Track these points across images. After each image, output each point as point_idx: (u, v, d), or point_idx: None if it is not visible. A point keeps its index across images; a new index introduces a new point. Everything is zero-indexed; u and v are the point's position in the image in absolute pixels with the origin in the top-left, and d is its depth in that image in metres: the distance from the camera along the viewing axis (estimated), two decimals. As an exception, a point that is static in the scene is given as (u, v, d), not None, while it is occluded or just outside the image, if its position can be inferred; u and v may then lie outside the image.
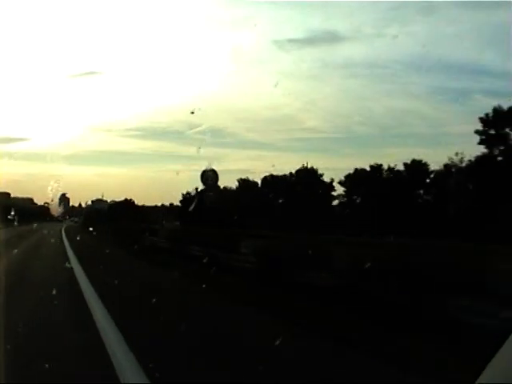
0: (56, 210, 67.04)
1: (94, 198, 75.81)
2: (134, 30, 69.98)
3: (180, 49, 63.67)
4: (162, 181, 66.27)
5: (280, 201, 46.11)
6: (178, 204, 52.93)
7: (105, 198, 73.57)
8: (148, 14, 63.08)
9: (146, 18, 67.70)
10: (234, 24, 58.54)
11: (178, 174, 62.39)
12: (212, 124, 53.81)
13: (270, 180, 48.08)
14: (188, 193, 50.52)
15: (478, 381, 1.23)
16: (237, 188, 52.52)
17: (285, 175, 47.09)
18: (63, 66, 78.55)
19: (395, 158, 58.95)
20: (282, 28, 58.99)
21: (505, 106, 34.47)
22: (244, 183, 52.13)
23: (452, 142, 56.87)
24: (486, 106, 37.04)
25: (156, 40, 66.39)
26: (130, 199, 63.84)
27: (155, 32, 63.54)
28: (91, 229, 47.32)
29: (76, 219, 79.27)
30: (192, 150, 55.31)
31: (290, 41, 61.72)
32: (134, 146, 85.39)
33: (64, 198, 76.51)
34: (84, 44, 69.21)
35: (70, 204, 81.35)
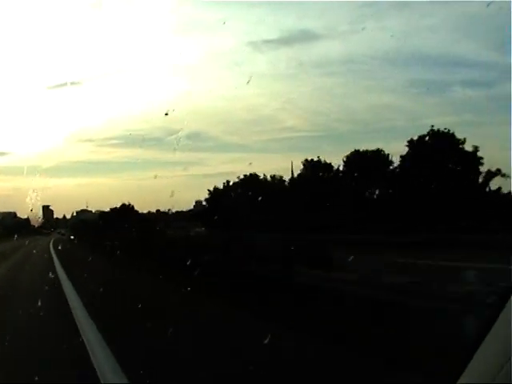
0: (37, 220, 66.08)
1: (78, 209, 75.23)
2: (109, 39, 69.61)
3: (155, 54, 62.38)
4: (146, 188, 68.21)
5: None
6: (179, 210, 53.40)
7: (89, 208, 72.93)
8: (123, 20, 63.18)
9: (122, 24, 67.06)
10: (209, 27, 57.60)
11: (155, 177, 62.18)
12: (191, 129, 54.61)
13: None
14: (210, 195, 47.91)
15: (459, 381, 1.23)
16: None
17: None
18: (41, 77, 78.77)
19: None
20: (256, 29, 59.03)
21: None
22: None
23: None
24: (464, 96, 39.34)
25: (131, 47, 66.69)
26: (129, 204, 57.44)
27: (131, 38, 63.94)
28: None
29: (63, 231, 77.36)
30: (173, 156, 57.58)
31: (265, 41, 61.79)
32: (116, 155, 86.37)
33: (48, 211, 77.58)
34: (61, 55, 68.93)
35: (55, 216, 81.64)
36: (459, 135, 42.47)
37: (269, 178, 50.37)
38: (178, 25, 65.18)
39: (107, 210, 64.91)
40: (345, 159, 46.67)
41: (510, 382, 1.15)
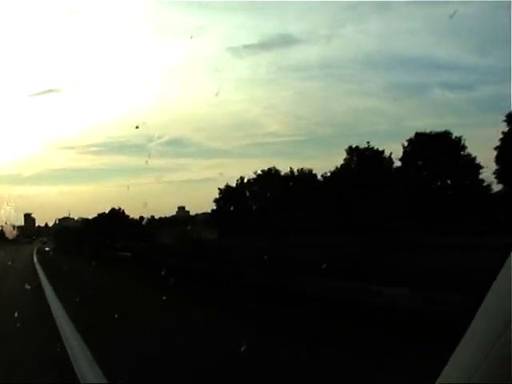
0: (11, 232, 61.36)
1: (60, 217, 74.71)
2: (89, 46, 68.07)
3: (135, 60, 63.58)
4: (128, 194, 69.31)
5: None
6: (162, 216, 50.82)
7: (72, 216, 72.48)
8: (103, 27, 62.65)
9: (101, 31, 67.10)
10: (189, 32, 56.06)
11: (128, 188, 58.54)
12: (172, 135, 54.70)
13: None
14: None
15: (438, 381, 1.17)
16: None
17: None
18: (22, 85, 76.72)
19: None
20: (236, 34, 59.09)
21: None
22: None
23: (412, 136, 52.67)
24: (444, 98, 38.33)
25: (111, 53, 65.76)
26: (119, 208, 52.85)
27: (111, 45, 63.49)
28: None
29: (45, 239, 75.67)
30: (155, 163, 56.50)
31: (245, 46, 61.45)
32: (97, 162, 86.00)
33: (30, 219, 76.03)
34: (42, 63, 69.33)
35: (36, 224, 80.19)
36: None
37: (295, 171, 43.97)
38: (158, 30, 65.84)
39: (90, 217, 64.23)
40: (405, 144, 40.40)
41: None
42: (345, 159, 41.28)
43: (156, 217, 55.20)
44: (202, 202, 70.22)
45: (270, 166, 43.20)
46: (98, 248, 37.11)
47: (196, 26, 52.52)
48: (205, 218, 47.27)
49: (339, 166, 41.18)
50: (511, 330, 1.02)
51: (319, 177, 43.12)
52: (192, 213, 60.15)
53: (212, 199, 44.81)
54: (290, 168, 43.93)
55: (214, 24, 57.90)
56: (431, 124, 49.99)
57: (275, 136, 65.24)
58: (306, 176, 43.36)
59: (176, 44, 59.37)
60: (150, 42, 62.69)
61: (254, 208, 40.85)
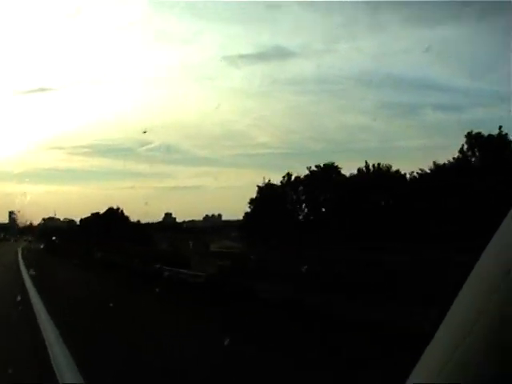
0: None
1: (46, 217, 74.59)
2: (84, 47, 69.86)
3: (130, 65, 64.32)
4: (115, 197, 67.21)
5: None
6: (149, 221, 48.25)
7: (58, 216, 72.52)
8: (98, 30, 62.85)
9: (96, 34, 67.35)
10: (184, 39, 59.63)
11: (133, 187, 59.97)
12: (162, 141, 55.49)
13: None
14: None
15: (408, 382, 1.16)
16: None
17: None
18: (13, 82, 77.19)
19: (345, 172, 56.46)
20: (232, 44, 60.02)
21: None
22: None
23: (402, 155, 57.28)
24: (435, 119, 38.20)
25: (106, 56, 66.43)
26: (117, 208, 47.44)
27: (106, 48, 64.52)
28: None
29: (30, 238, 75.23)
30: (143, 167, 56.42)
31: (241, 56, 62.84)
32: (86, 164, 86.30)
33: (14, 217, 75.90)
34: (35, 60, 68.14)
35: (21, 222, 78.52)
36: (429, 158, 41.71)
37: (371, 167, 36.87)
38: (154, 36, 66.10)
39: (75, 218, 63.50)
40: None
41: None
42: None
43: (142, 221, 53.40)
44: (189, 208, 71.30)
45: (259, 176, 41.92)
46: (90, 250, 32.28)
47: (192, 33, 53.84)
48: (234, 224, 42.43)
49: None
50: (480, 327, 1.02)
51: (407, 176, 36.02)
52: (179, 220, 59.94)
53: (199, 206, 42.48)
54: (370, 162, 36.70)
55: (210, 32, 58.46)
56: (421, 144, 52.78)
57: (265, 148, 66.55)
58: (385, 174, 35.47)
59: (171, 50, 63.81)
60: (144, 47, 62.72)
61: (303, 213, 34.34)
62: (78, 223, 59.44)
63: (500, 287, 0.98)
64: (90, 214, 54.46)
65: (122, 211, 47.63)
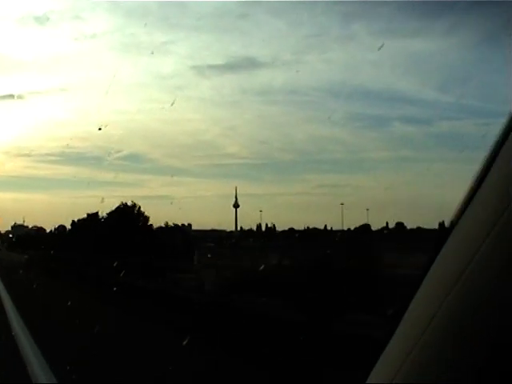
0: None
1: (13, 224, 75.44)
2: (53, 55, 68.71)
3: (98, 74, 57.59)
4: (84, 206, 59.78)
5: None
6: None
7: (26, 224, 73.92)
8: (67, 40, 62.32)
9: (65, 42, 66.81)
10: (154, 49, 50.86)
11: (102, 200, 54.51)
12: (130, 150, 58.22)
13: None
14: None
15: (368, 381, 1.21)
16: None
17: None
18: None
19: (315, 183, 66.63)
20: (201, 54, 58.14)
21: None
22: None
23: (369, 167, 56.00)
24: (403, 132, 37.97)
25: (74, 64, 66.09)
26: (134, 205, 36.01)
27: (73, 56, 63.62)
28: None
29: None
30: (111, 176, 58.82)
31: (210, 67, 63.44)
32: (54, 172, 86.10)
33: None
34: (3, 67, 62.19)
35: None
36: (397, 170, 45.74)
37: None
38: (123, 45, 63.01)
39: (44, 226, 67.07)
40: None
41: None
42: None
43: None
44: (159, 217, 63.97)
45: (228, 187, 42.82)
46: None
47: (160, 42, 50.40)
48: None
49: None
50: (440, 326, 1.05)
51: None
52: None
53: (169, 216, 43.44)
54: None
55: (178, 42, 59.79)
56: (388, 156, 53.48)
57: (234, 158, 67.90)
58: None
59: (140, 60, 57.84)
60: (114, 56, 57.36)
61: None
62: (68, 227, 52.97)
63: (455, 288, 1.00)
64: (72, 219, 48.11)
65: (139, 209, 35.55)
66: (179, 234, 36.62)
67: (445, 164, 51.16)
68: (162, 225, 39.40)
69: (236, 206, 49.56)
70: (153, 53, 44.06)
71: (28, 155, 76.06)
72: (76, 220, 42.86)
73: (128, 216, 34.54)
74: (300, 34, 52.26)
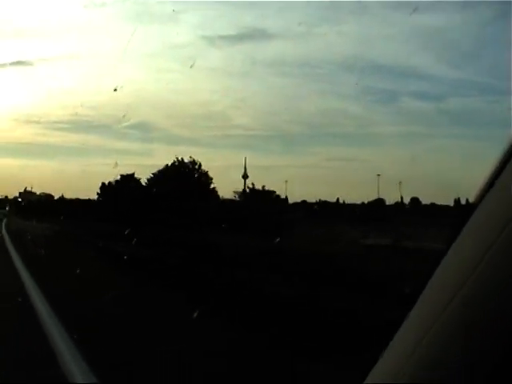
0: None
1: (21, 190, 76.38)
2: (63, 22, 65.71)
3: (108, 42, 60.71)
4: (92, 174, 66.64)
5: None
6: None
7: (34, 190, 74.62)
8: (77, 7, 58.24)
9: (75, 10, 65.38)
10: (164, 19, 58.19)
11: (115, 166, 50.84)
12: (140, 119, 58.04)
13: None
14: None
15: (366, 381, 1.17)
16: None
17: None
18: None
19: (324, 156, 64.75)
20: (212, 24, 57.03)
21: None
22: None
23: (379, 142, 56.78)
24: (414, 107, 39.92)
25: (85, 33, 60.51)
26: (192, 161, 31.68)
27: (84, 25, 60.94)
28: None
29: (5, 211, 73.78)
30: (120, 145, 63.73)
31: (221, 37, 60.54)
32: (62, 139, 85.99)
33: None
34: (12, 33, 63.80)
35: None
36: (407, 145, 46.46)
37: None
38: (132, 13, 58.82)
39: (52, 193, 68.16)
40: None
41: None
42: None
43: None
44: None
45: (237, 158, 39.17)
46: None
47: (171, 12, 49.00)
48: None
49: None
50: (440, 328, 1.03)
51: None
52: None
53: None
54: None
55: (189, 12, 56.06)
56: (398, 131, 53.49)
57: (244, 129, 63.91)
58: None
59: (151, 29, 56.17)
60: (123, 25, 55.07)
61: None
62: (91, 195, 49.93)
63: (465, 284, 0.99)
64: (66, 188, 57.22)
65: (199, 167, 29.89)
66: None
67: (455, 140, 51.84)
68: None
69: (245, 176, 48.04)
70: (174, 10, 42.34)
71: (37, 122, 77.78)
72: (108, 182, 40.76)
73: (185, 176, 28.63)
74: (313, 5, 46.98)
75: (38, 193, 75.91)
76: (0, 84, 72.57)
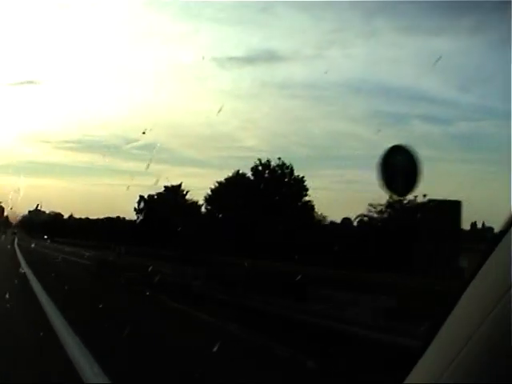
0: None
1: (31, 209, 76.14)
2: (74, 42, 64.16)
3: (119, 62, 60.95)
4: (100, 194, 68.97)
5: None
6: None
7: (43, 209, 75.00)
8: (89, 26, 58.37)
9: (87, 30, 63.63)
10: (175, 40, 53.45)
11: (128, 188, 47.82)
12: (148, 139, 53.48)
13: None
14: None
15: (406, 381, 1.21)
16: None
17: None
18: (2, 73, 66.35)
19: (333, 179, 58.98)
20: (222, 45, 54.44)
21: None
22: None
23: None
24: (422, 130, 37.94)
25: (96, 53, 59.82)
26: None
27: (95, 45, 57.39)
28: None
29: (15, 230, 74.03)
30: (128, 165, 62.94)
31: (230, 59, 56.33)
32: (71, 159, 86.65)
33: None
34: (24, 53, 61.07)
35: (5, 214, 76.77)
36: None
37: None
38: (142, 34, 60.04)
39: (61, 212, 71.01)
40: None
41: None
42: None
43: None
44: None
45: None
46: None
47: (181, 33, 51.99)
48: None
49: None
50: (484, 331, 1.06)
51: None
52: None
53: None
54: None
55: (199, 33, 54.68)
56: None
57: (252, 151, 61.79)
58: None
59: (161, 49, 57.03)
60: (134, 45, 54.40)
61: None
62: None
63: (503, 296, 1.02)
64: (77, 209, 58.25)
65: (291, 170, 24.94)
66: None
67: (464, 165, 47.54)
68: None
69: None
70: (176, 43, 45.05)
71: (46, 141, 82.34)
72: (148, 196, 32.73)
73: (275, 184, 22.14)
74: (322, 28, 49.57)
75: (47, 212, 75.59)
76: (10, 103, 70.99)
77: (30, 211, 75.98)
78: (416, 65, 53.06)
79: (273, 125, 59.94)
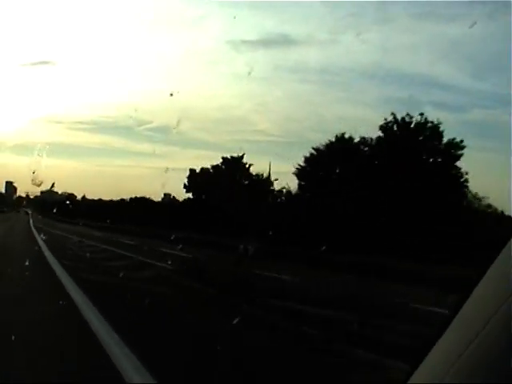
0: None
1: (44, 190, 75.84)
2: (89, 25, 69.90)
3: (133, 46, 61.67)
4: (112, 175, 69.83)
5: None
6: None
7: (56, 190, 75.43)
8: (104, 9, 64.12)
9: (102, 13, 70.92)
10: (187, 23, 59.66)
11: (166, 170, 58.11)
12: (161, 122, 60.90)
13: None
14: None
15: (410, 381, 1.22)
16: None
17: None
18: (15, 54, 77.91)
19: None
20: (235, 29, 59.52)
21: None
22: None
23: None
24: (435, 117, 36.09)
25: (110, 36, 61.47)
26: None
27: (110, 28, 57.85)
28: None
29: (29, 210, 76.41)
30: (141, 147, 59.06)
31: (244, 42, 66.05)
32: (84, 140, 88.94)
33: (11, 187, 79.81)
34: (38, 33, 68.82)
35: (18, 194, 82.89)
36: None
37: None
38: (158, 19, 67.84)
39: (75, 192, 72.35)
40: None
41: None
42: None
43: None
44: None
45: (258, 162, 43.24)
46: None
47: (195, 17, 52.35)
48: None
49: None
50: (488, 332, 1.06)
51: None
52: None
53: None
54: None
55: (213, 17, 59.96)
56: None
57: (264, 134, 68.77)
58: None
59: (175, 33, 61.23)
60: (148, 29, 63.84)
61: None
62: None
63: (506, 301, 1.00)
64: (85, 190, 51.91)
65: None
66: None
67: (476, 152, 50.14)
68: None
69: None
70: (190, 28, 50.14)
71: (60, 122, 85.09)
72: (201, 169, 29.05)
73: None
74: (337, 13, 54.29)
75: (60, 192, 78.68)
76: (23, 84, 74.81)
77: (42, 192, 78.11)
78: (430, 51, 54.81)
79: (285, 109, 64.01)
